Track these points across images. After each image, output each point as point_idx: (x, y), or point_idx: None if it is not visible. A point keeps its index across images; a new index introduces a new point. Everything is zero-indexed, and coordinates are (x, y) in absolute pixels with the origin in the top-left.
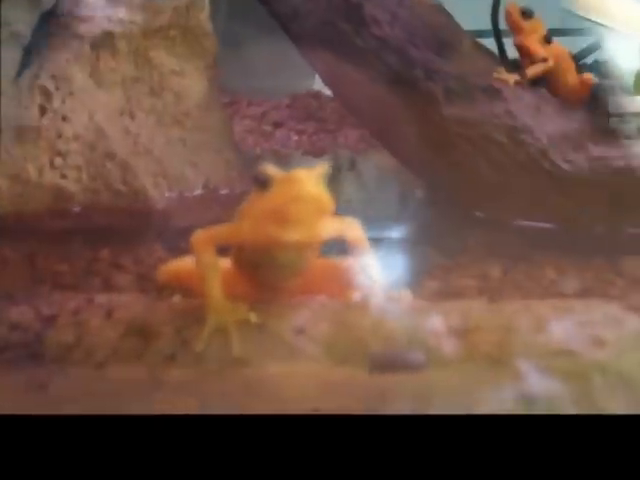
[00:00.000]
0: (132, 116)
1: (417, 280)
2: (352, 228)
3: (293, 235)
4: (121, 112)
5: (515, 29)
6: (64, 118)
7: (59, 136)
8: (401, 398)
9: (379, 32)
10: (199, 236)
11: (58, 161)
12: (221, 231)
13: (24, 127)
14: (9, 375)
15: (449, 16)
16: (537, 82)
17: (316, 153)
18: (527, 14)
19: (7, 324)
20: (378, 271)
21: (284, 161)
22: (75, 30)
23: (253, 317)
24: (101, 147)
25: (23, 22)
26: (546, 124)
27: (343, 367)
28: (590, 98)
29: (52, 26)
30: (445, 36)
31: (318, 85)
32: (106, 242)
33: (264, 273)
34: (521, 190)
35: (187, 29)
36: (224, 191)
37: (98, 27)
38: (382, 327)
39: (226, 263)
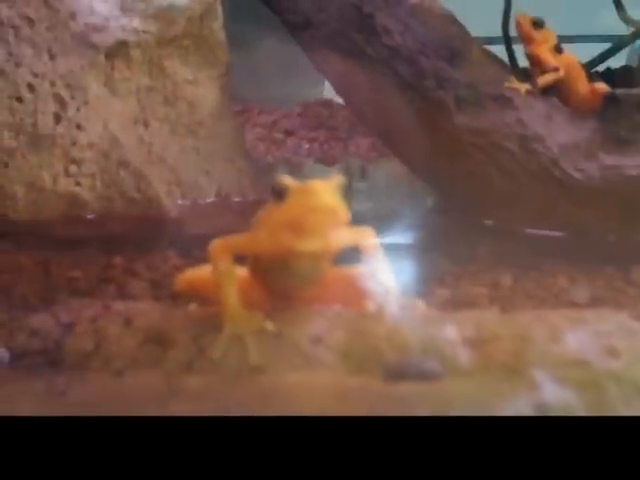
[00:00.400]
0: (146, 125)
1: (428, 288)
2: (366, 237)
3: (309, 245)
4: (135, 121)
5: (526, 39)
6: (79, 126)
7: (74, 144)
8: (416, 407)
9: (390, 42)
10: (216, 245)
11: (73, 169)
12: (238, 240)
13: (39, 135)
14: (28, 381)
15: (460, 25)
16: (548, 91)
17: (327, 161)
18: (538, 24)
19: (27, 331)
20: (392, 279)
21: (296, 169)
22: (90, 39)
23: (269, 325)
24: (115, 155)
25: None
26: (557, 133)
27: (359, 376)
28: (601, 107)
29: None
30: (456, 45)
31: (328, 93)
32: (120, 249)
33: (280, 282)
34: (532, 199)
35: (201, 39)
36: (236, 199)
37: (113, 37)
38: (397, 336)
39: (243, 272)
